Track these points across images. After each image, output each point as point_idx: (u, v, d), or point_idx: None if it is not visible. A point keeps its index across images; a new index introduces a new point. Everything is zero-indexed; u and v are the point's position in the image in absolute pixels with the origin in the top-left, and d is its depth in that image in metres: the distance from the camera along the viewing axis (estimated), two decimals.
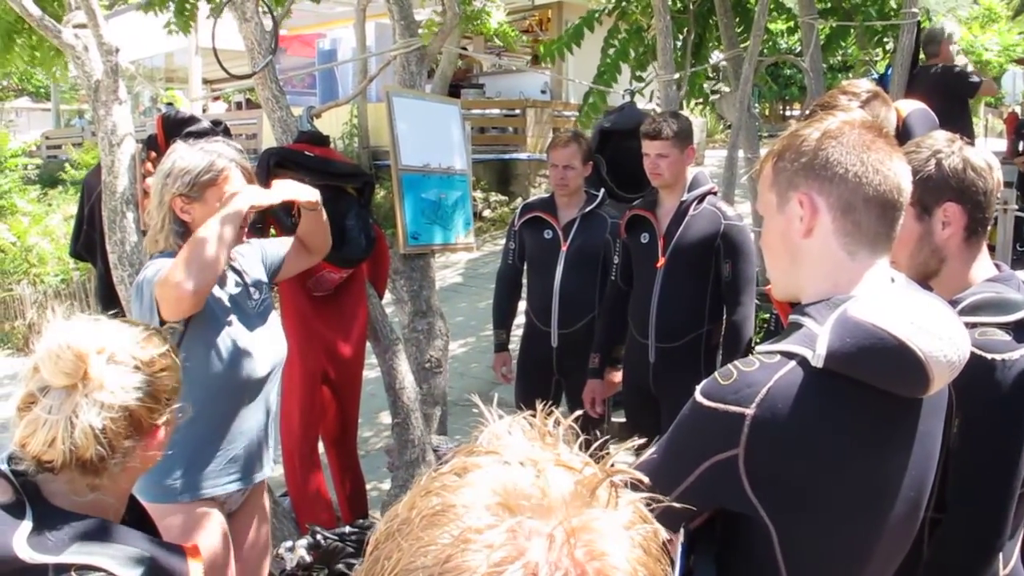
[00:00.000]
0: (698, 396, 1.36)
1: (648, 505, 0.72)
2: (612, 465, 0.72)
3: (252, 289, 2.71)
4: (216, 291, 2.53)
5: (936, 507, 1.57)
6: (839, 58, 11.81)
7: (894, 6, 7.37)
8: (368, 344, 4.10)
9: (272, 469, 2.77)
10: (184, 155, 2.51)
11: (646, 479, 0.74)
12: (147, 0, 5.85)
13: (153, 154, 3.82)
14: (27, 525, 1.39)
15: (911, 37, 5.80)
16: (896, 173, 1.42)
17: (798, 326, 1.38)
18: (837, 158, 1.40)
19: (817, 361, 1.29)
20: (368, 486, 4.41)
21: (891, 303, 1.33)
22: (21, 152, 14.47)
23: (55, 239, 11.56)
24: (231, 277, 2.67)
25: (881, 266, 1.43)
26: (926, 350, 1.27)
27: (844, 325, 1.31)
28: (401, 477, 3.93)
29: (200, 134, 3.88)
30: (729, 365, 1.37)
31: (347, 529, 3.65)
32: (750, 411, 1.29)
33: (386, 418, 4.95)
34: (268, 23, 3.95)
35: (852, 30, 7.89)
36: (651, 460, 1.41)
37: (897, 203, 1.42)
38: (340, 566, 3.45)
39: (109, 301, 3.97)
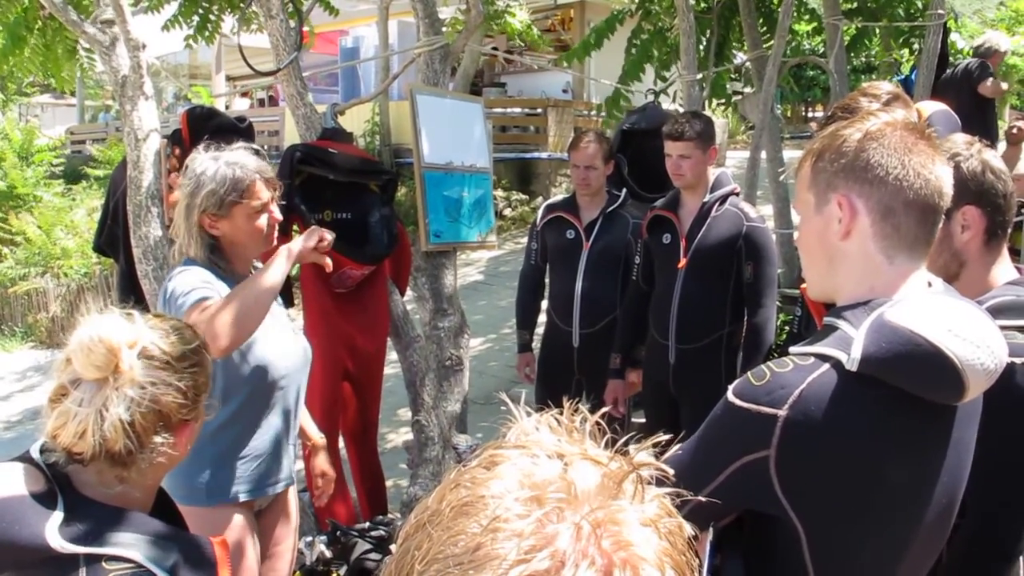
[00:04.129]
0: (730, 396, 1.36)
1: (673, 501, 0.73)
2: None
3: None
4: None
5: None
6: (863, 59, 11.75)
7: (920, 7, 7.32)
8: (389, 341, 4.11)
9: (294, 474, 2.79)
10: (208, 171, 2.48)
11: (671, 471, 0.75)
12: (171, 15, 5.91)
13: (178, 150, 3.84)
14: (58, 515, 1.40)
15: (937, 38, 5.75)
16: (938, 177, 1.39)
17: (833, 328, 1.37)
18: (878, 160, 1.38)
19: (851, 364, 1.28)
20: (388, 483, 4.43)
21: (928, 309, 1.31)
22: (48, 148, 14.59)
23: (79, 233, 11.65)
24: None
25: (919, 270, 1.41)
26: (962, 357, 1.26)
27: (880, 329, 1.29)
28: (421, 474, 3.95)
29: (224, 130, 3.91)
30: (763, 366, 1.36)
31: (366, 525, 3.67)
32: (783, 412, 1.29)
33: (406, 415, 4.98)
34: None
35: (877, 31, 7.84)
36: (680, 458, 1.40)
37: (938, 207, 1.40)
38: (359, 561, 3.46)
39: (129, 296, 4.00)
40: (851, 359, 1.28)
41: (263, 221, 2.54)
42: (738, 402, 1.34)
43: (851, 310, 1.37)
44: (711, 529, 1.40)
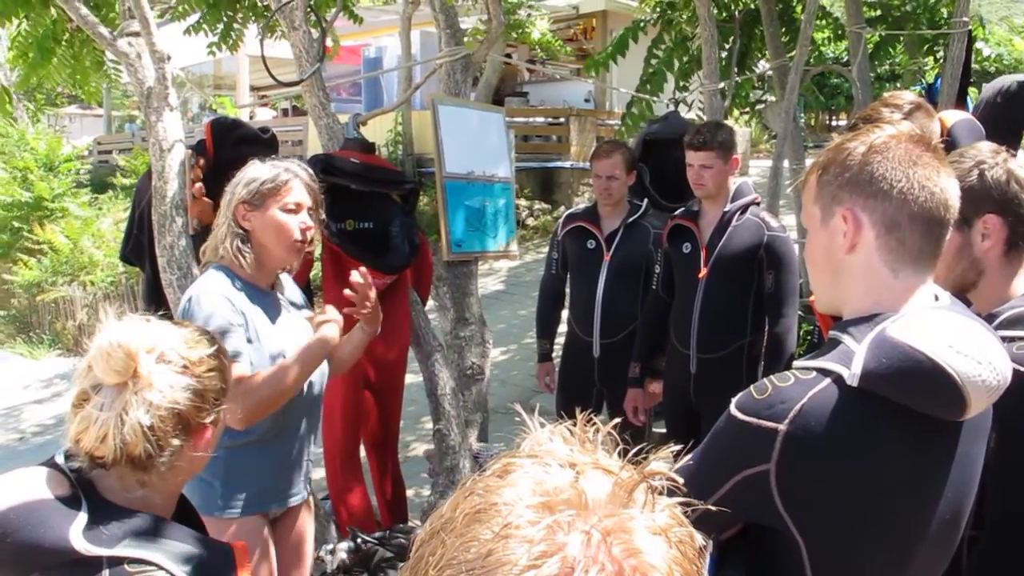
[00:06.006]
0: (733, 409, 1.36)
1: (684, 511, 0.74)
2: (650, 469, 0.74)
3: (298, 311, 2.77)
4: (266, 314, 2.59)
5: (974, 524, 1.55)
6: (887, 67, 11.69)
7: (944, 14, 7.28)
8: (410, 350, 4.12)
9: (309, 488, 2.81)
10: (255, 167, 2.64)
11: (681, 480, 0.76)
12: (195, 22, 5.98)
13: (202, 160, 3.87)
14: (83, 517, 1.42)
15: (961, 46, 5.70)
16: (943, 189, 1.38)
17: (837, 342, 1.36)
18: (882, 173, 1.38)
19: (852, 380, 1.28)
20: (408, 491, 4.44)
21: (931, 324, 1.30)
22: (73, 157, 14.75)
23: (105, 243, 11.78)
24: (281, 299, 2.72)
25: (925, 283, 1.41)
26: (963, 374, 1.25)
27: (881, 345, 1.29)
28: (441, 483, 3.95)
29: (248, 141, 3.95)
30: (765, 379, 1.36)
31: (387, 533, 3.68)
32: (783, 427, 1.28)
33: (427, 424, 4.98)
34: (315, 31, 4.00)
35: (900, 38, 7.80)
36: (685, 469, 1.40)
37: (943, 220, 1.39)
38: (380, 569, 3.47)
39: (154, 304, 4.03)
40: (852, 374, 1.28)
41: (293, 223, 2.59)
42: (740, 415, 1.34)
43: (855, 325, 1.37)
44: (712, 543, 1.40)
